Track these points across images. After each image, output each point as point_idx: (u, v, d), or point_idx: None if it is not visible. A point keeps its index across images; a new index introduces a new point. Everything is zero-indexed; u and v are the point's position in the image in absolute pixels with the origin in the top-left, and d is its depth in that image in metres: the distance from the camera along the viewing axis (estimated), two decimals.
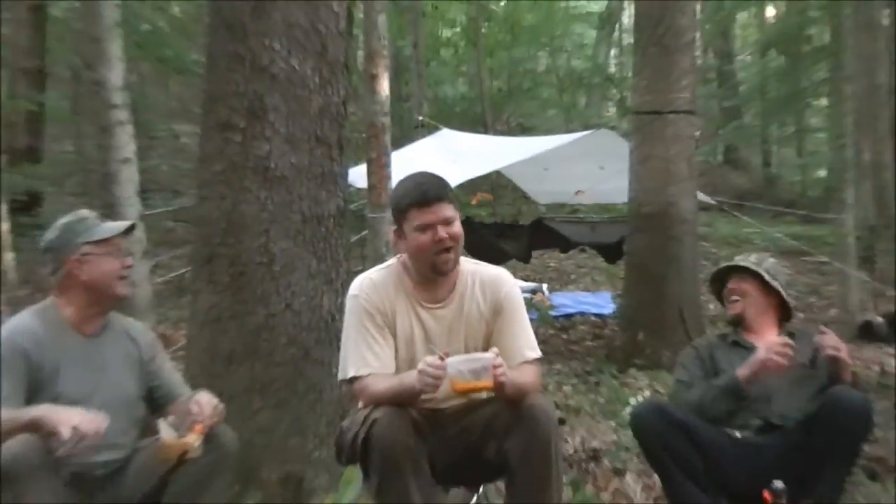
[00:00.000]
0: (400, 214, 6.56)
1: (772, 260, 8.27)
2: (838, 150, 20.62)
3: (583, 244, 19.98)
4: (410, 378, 6.23)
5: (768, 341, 7.61)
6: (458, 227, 6.51)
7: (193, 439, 6.42)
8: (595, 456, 10.00)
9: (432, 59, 33.95)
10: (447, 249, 6.46)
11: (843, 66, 20.76)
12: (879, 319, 17.38)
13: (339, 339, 6.78)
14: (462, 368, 6.15)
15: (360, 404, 6.61)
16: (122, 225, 6.94)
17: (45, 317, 6.72)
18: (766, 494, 6.58)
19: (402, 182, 6.78)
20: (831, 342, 7.43)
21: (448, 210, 6.47)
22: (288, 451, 8.22)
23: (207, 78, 8.71)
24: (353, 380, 6.57)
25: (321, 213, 8.42)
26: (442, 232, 6.41)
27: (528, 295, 19.59)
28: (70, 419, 5.88)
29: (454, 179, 18.14)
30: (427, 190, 6.48)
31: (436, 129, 22.57)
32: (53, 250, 6.74)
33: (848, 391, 7.34)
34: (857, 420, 7.26)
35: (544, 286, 21.26)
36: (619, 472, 9.48)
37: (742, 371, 7.42)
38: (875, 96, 21.86)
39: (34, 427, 6.00)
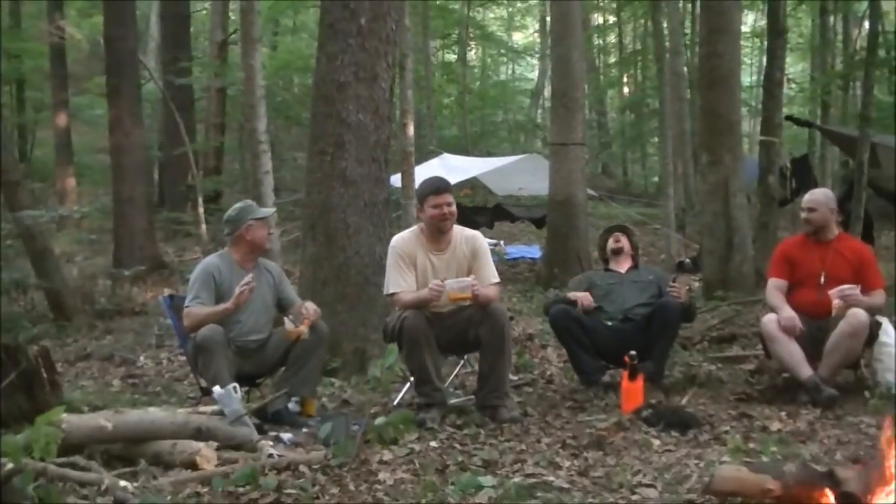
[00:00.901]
0: (423, 198, 6.72)
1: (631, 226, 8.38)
2: (664, 167, 20.51)
3: (523, 218, 19.81)
4: (424, 292, 6.44)
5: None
6: (454, 208, 6.72)
7: (303, 329, 6.49)
8: (530, 337, 9.99)
9: (438, 115, 33.79)
10: (446, 219, 6.59)
11: (665, 120, 20.67)
12: (688, 260, 17.28)
13: (385, 272, 6.77)
14: (454, 287, 6.41)
15: (396, 308, 6.65)
16: (269, 210, 7.37)
17: (224, 258, 6.85)
18: (626, 358, 6.54)
19: (423, 181, 7.09)
20: (676, 291, 7.47)
21: (449, 198, 6.68)
22: (357, 335, 8.24)
23: (312, 126, 8.88)
24: (392, 295, 6.68)
25: (375, 200, 8.42)
26: (445, 209, 6.59)
27: (491, 246, 19.46)
28: (240, 291, 6.51)
29: (450, 181, 18.05)
30: (439, 186, 6.75)
31: (440, 153, 22.54)
32: (232, 221, 6.87)
33: (670, 300, 7.41)
34: (674, 316, 7.40)
35: (502, 242, 21.13)
36: (544, 347, 9.47)
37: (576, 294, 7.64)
38: (682, 136, 21.82)
39: (225, 314, 6.51)
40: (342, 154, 8.31)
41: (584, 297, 7.57)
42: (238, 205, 7.07)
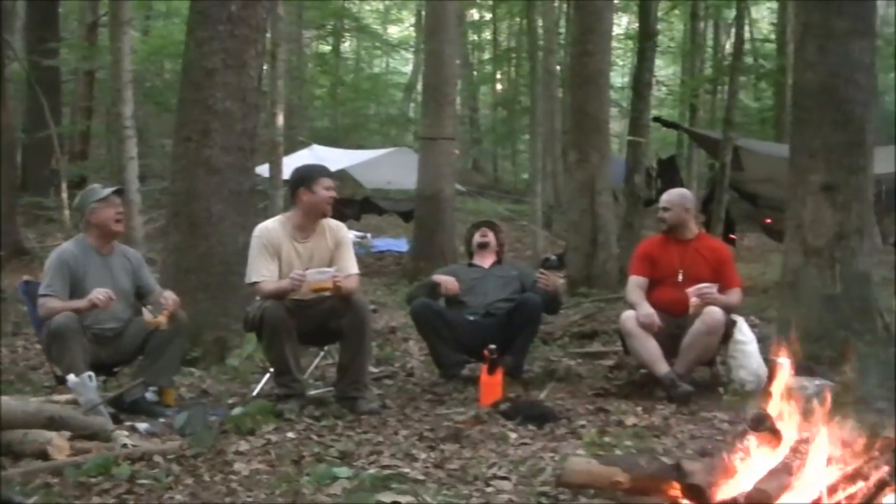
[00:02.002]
0: (312, 180, 6.64)
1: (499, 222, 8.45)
2: (533, 164, 20.73)
3: (391, 211, 19.92)
4: (285, 282, 6.38)
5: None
6: (334, 191, 6.72)
7: (162, 320, 6.39)
8: (393, 330, 10.01)
9: (310, 105, 33.58)
10: (332, 202, 6.63)
11: (536, 118, 20.89)
12: (553, 256, 17.51)
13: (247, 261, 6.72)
14: (315, 277, 6.33)
15: (258, 298, 6.58)
16: (108, 190, 6.88)
17: (80, 244, 6.70)
18: (486, 351, 6.59)
19: (304, 167, 7.17)
20: (544, 279, 7.61)
21: (334, 183, 6.76)
22: (218, 324, 8.16)
23: (179, 112, 8.78)
24: (253, 284, 6.58)
25: (240, 189, 8.35)
26: (333, 193, 6.60)
27: (359, 238, 19.53)
28: (97, 293, 6.17)
29: None
30: (328, 169, 6.90)
31: (310, 145, 22.41)
32: (78, 209, 6.84)
33: (531, 296, 7.52)
34: (536, 312, 7.49)
35: (369, 234, 21.18)
36: (407, 340, 9.47)
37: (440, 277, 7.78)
38: (553, 134, 22.04)
39: (83, 308, 6.32)
40: (208, 142, 8.21)
41: (448, 281, 7.62)
42: (83, 191, 7.06)
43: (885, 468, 3.81)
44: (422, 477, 4.85)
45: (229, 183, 8.27)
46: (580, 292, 12.26)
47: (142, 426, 5.98)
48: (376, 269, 16.70)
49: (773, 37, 27.91)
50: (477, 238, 8.15)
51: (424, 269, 13.72)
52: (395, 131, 37.25)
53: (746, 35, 31.05)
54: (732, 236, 15.24)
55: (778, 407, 4.30)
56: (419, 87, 34.10)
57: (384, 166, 20.80)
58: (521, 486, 4.72)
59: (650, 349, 6.97)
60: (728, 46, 23.00)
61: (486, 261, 8.07)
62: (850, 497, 3.79)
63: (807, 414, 4.22)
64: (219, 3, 8.29)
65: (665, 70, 38.56)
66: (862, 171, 8.00)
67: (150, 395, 6.57)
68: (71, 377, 5.80)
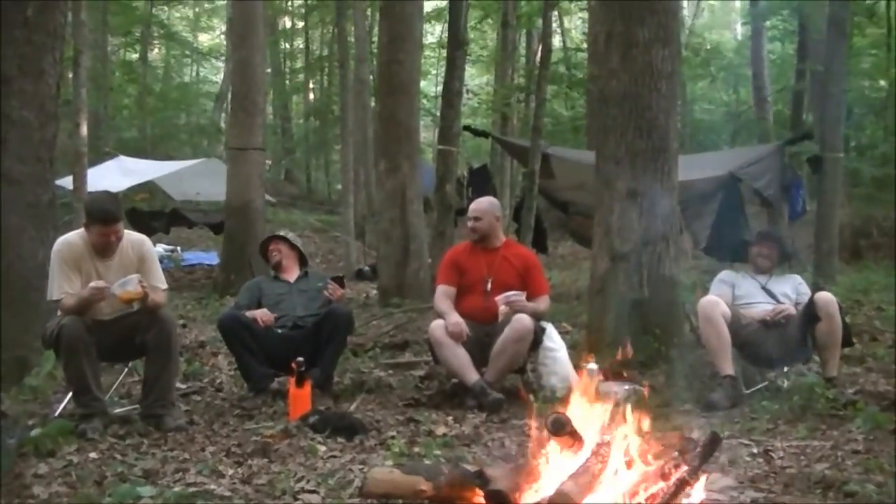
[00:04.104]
0: (89, 222, 6.48)
1: (291, 233, 8.47)
2: (345, 174, 20.76)
3: (201, 223, 19.62)
4: (85, 292, 6.26)
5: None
6: (120, 231, 6.51)
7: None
8: (202, 345, 9.86)
9: (117, 115, 32.87)
10: (110, 246, 6.47)
11: (348, 127, 20.93)
12: (367, 268, 17.60)
13: (48, 277, 6.53)
14: (122, 289, 6.23)
15: (59, 314, 6.41)
16: None
17: None
18: (294, 364, 6.57)
19: (93, 200, 7.10)
20: (331, 288, 7.67)
21: (116, 227, 6.47)
22: (18, 343, 7.81)
23: None
24: (56, 301, 6.43)
25: (38, 202, 8.02)
26: (111, 238, 6.41)
27: (168, 252, 19.25)
28: None
29: (126, 185, 17.80)
30: (107, 216, 6.46)
31: (116, 155, 21.98)
32: None
33: (339, 307, 7.62)
34: (343, 323, 7.56)
35: (178, 248, 20.86)
36: (215, 354, 9.36)
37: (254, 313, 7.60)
38: (365, 143, 22.05)
39: None
40: (4, 152, 7.91)
41: (262, 315, 7.54)
42: None
43: (685, 468, 3.95)
44: (228, 493, 4.82)
45: (27, 195, 7.96)
46: (392, 302, 12.32)
47: None
48: (187, 284, 16.49)
49: (584, 46, 28.48)
50: (271, 256, 8.13)
51: (235, 281, 13.61)
52: (207, 142, 36.80)
53: (559, 44, 31.86)
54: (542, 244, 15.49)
55: (582, 411, 4.41)
56: (229, 96, 33.86)
57: (193, 177, 20.50)
58: (329, 498, 4.74)
59: (459, 358, 7.08)
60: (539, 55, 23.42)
61: (290, 274, 8.05)
62: (652, 497, 3.92)
63: (612, 417, 4.34)
64: (13, 6, 8.02)
65: (479, 79, 39.11)
66: (667, 177, 8.29)
67: None
68: None
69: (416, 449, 5.75)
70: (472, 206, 7.77)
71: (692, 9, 35.11)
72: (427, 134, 31.58)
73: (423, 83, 21.72)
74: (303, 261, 8.25)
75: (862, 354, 8.81)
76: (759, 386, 7.44)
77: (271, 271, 8.19)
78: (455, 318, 7.13)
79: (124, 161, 21.16)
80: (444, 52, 30.34)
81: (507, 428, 6.46)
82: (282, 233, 8.38)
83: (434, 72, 35.20)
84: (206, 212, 20.64)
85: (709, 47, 32.65)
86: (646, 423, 4.27)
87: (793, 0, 25.11)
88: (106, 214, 6.47)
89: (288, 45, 41.16)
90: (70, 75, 14.48)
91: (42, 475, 5.17)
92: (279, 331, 7.54)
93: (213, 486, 4.93)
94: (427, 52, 31.84)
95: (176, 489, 4.85)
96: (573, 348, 7.81)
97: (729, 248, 9.90)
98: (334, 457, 5.61)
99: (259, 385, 7.44)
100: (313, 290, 7.87)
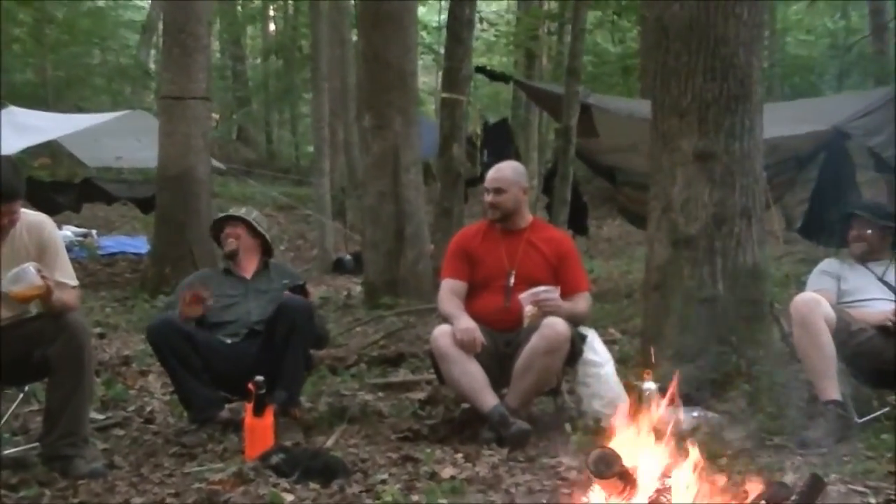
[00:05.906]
0: None
1: (256, 212, 8.30)
2: (318, 132, 20.77)
3: (123, 198, 19.70)
4: None
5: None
6: (18, 212, 6.29)
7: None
8: (126, 361, 9.91)
9: (6, 52, 32.81)
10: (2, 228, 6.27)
11: (321, 70, 20.94)
12: (348, 257, 17.67)
13: None
14: (15, 285, 6.09)
15: None
16: None
17: None
18: (250, 385, 6.55)
19: None
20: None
21: (13, 206, 6.24)
22: None
23: None
24: None
25: None
26: (3, 220, 6.19)
27: (79, 237, 19.33)
28: None
29: (19, 146, 17.77)
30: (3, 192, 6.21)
31: (5, 106, 21.93)
32: None
33: (294, 296, 7.53)
34: (303, 316, 7.38)
35: (94, 231, 20.94)
36: (145, 373, 9.40)
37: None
38: (345, 93, 22.08)
39: None
40: None
41: (196, 293, 7.49)
42: None
43: None
44: None
45: None
46: (382, 303, 12.33)
47: None
48: (105, 279, 16.55)
49: None
50: (225, 244, 8.02)
51: (170, 276, 13.63)
52: (130, 89, 36.82)
53: None
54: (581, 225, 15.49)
55: (635, 446, 4.39)
56: (161, 27, 33.85)
57: (113, 137, 20.34)
58: None
59: (472, 375, 7.01)
60: None
61: (247, 268, 7.96)
62: None
63: (675, 455, 4.33)
64: None
65: (496, 4, 39.02)
66: (748, 133, 8.17)
67: None
68: None
69: (415, 497, 5.73)
70: (490, 173, 7.60)
71: None
72: (427, 78, 31.54)
73: (421, 10, 21.67)
74: (266, 251, 8.15)
75: None
76: (877, 413, 7.28)
77: (222, 263, 8.17)
78: (466, 324, 7.05)
79: (15, 113, 20.89)
80: None
81: (535, 468, 6.40)
82: (242, 212, 8.23)
83: None
84: (131, 183, 20.73)
85: None
86: (721, 463, 4.26)
87: None
88: (4, 186, 6.30)
89: None
90: None
91: None
92: (228, 340, 7.48)
93: None
94: None
95: None
96: (623, 362, 7.79)
97: (833, 228, 9.83)
98: None
99: (204, 414, 7.37)
100: (275, 290, 7.74)
